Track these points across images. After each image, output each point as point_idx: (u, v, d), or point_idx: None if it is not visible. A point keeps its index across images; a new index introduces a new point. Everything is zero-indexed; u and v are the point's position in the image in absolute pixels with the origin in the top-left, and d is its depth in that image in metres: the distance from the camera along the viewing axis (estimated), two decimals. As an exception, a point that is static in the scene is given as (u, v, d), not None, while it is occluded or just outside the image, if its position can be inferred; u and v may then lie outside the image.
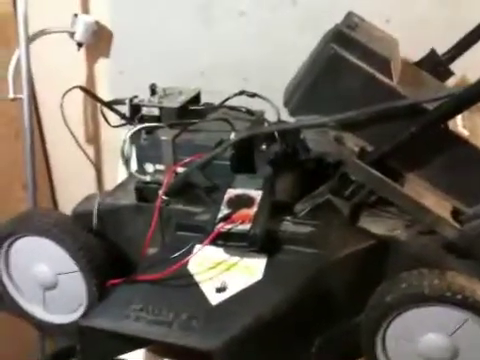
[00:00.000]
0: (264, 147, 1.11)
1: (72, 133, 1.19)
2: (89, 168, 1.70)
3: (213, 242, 0.91)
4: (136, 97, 1.17)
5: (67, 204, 1.49)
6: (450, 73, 1.15)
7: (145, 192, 1.12)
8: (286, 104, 1.02)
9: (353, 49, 0.95)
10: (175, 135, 1.08)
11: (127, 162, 1.13)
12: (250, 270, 0.94)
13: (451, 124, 0.94)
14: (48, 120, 1.80)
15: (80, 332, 0.92)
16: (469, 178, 0.96)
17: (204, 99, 1.24)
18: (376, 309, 0.90)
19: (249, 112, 1.18)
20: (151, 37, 1.55)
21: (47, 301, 1.14)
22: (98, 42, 1.62)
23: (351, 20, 1.06)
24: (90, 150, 1.77)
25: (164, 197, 1.07)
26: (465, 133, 0.96)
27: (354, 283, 0.97)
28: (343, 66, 0.95)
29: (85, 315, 1.06)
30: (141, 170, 1.12)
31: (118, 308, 0.91)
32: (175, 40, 1.53)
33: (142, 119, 1.14)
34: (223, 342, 0.84)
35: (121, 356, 0.90)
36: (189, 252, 0.95)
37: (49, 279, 1.11)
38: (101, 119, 1.27)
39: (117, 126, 1.20)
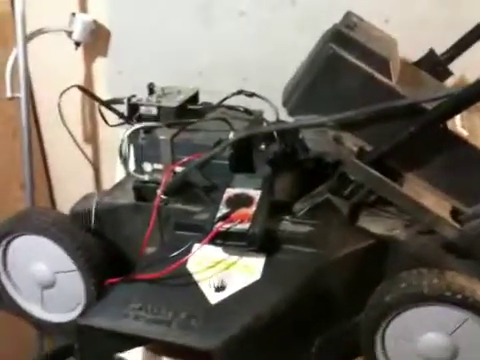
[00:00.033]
0: (263, 147, 1.11)
1: (70, 132, 1.19)
2: (87, 167, 1.70)
3: (212, 241, 0.91)
4: (134, 96, 1.16)
5: (65, 203, 1.49)
6: (449, 73, 1.15)
7: (143, 191, 1.12)
8: (285, 104, 1.02)
9: (352, 49, 0.95)
10: (173, 134, 1.08)
11: (125, 161, 1.13)
12: (249, 269, 0.94)
13: (450, 124, 0.95)
14: (46, 119, 1.79)
15: (78, 331, 0.92)
16: (468, 178, 0.96)
17: (204, 99, 1.24)
18: (375, 309, 0.90)
19: (248, 112, 1.18)
20: (150, 36, 1.55)
21: (45, 300, 1.14)
22: (96, 41, 1.62)
23: (350, 20, 1.06)
24: (88, 149, 1.76)
25: (163, 196, 1.07)
26: (464, 133, 0.96)
27: (353, 283, 0.97)
28: (342, 66, 0.95)
29: (83, 314, 1.06)
30: (139, 169, 1.12)
31: (117, 307, 0.91)
32: (174, 40, 1.53)
33: (140, 118, 1.14)
34: (222, 341, 0.84)
35: (120, 355, 0.89)
36: (188, 251, 0.95)
37: (47, 278, 1.11)
38: (99, 118, 1.27)
39: (115, 125, 1.19)
